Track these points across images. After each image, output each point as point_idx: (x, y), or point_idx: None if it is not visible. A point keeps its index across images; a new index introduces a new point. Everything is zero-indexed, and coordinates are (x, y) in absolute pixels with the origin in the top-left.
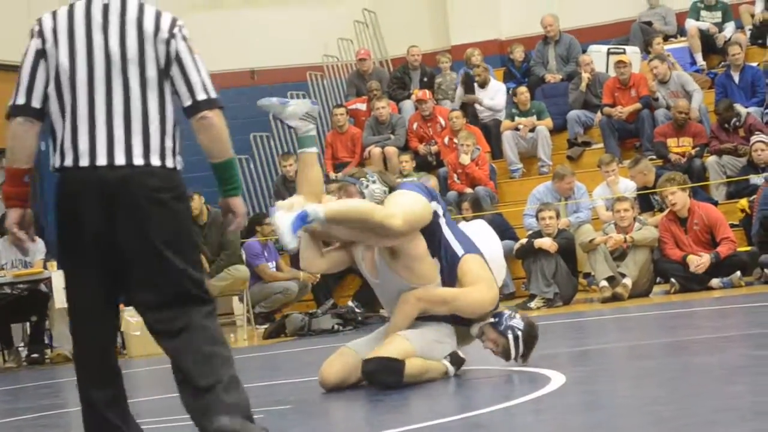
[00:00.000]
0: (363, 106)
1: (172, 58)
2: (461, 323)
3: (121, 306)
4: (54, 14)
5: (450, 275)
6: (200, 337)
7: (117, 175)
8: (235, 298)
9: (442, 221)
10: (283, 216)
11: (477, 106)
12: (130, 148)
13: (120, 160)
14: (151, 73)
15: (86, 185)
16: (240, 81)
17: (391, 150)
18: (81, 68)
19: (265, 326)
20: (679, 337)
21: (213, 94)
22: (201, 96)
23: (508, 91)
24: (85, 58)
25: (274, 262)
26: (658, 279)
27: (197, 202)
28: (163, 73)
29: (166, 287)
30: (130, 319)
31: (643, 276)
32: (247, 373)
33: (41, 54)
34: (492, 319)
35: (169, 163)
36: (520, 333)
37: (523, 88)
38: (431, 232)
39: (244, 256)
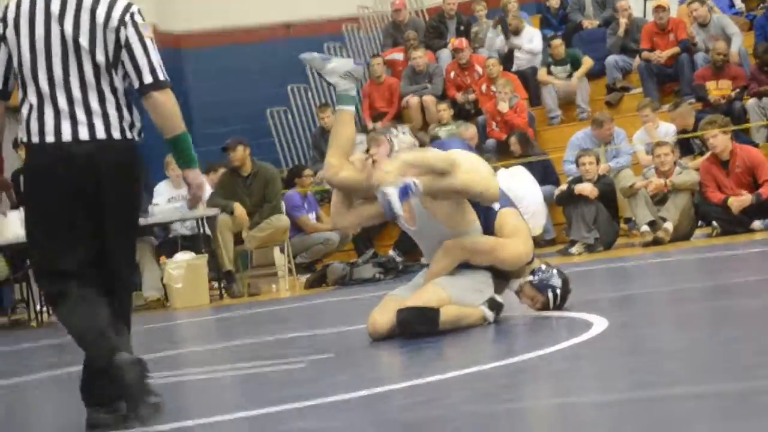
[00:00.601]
0: (400, 56)
1: (122, 44)
2: (496, 275)
3: (163, 258)
4: (18, 2)
5: (486, 227)
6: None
7: (83, 149)
8: (276, 249)
9: None
10: (390, 190)
11: (515, 52)
12: (92, 126)
13: (84, 135)
14: (101, 58)
15: (55, 157)
16: (276, 34)
17: (429, 99)
18: (40, 53)
19: (307, 276)
20: (721, 281)
21: (161, 76)
22: (148, 79)
23: (544, 38)
24: (44, 44)
25: (314, 213)
26: (699, 222)
27: (240, 153)
28: (114, 58)
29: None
30: (172, 271)
31: (684, 220)
32: (290, 323)
33: (1, 39)
34: (530, 277)
35: (129, 135)
36: (558, 291)
37: (557, 41)
38: None
39: (284, 208)
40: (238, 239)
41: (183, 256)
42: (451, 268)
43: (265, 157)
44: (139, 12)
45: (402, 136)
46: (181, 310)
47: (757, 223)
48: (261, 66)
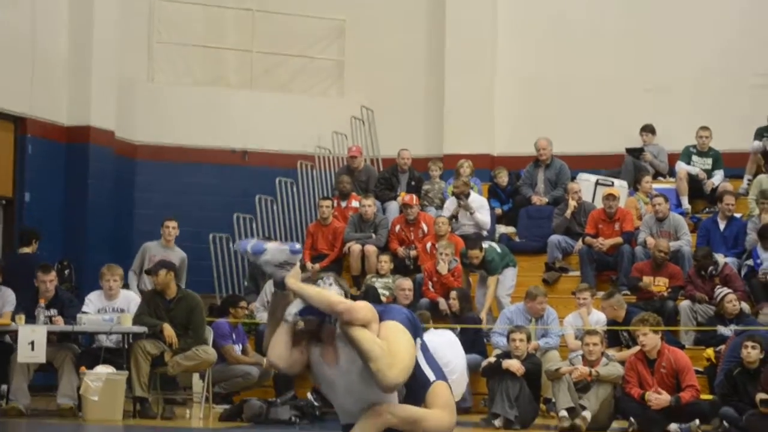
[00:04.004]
0: (356, 203)
1: None
2: None
3: (83, 368)
4: None
5: (415, 394)
6: None
7: None
8: (196, 375)
9: (419, 351)
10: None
11: (465, 215)
12: None
13: None
14: None
15: None
16: (230, 159)
17: (371, 249)
18: None
19: (223, 406)
20: None
21: None
22: None
23: (492, 209)
24: None
25: (240, 345)
26: (617, 416)
27: (162, 278)
28: None
29: None
30: (91, 383)
31: (603, 411)
32: None
33: None
34: None
35: None
36: None
37: (475, 251)
38: None
39: (211, 335)
40: (160, 359)
41: (103, 369)
42: (379, 431)
43: (201, 280)
44: None
45: (329, 287)
46: (93, 423)
47: (673, 426)
48: (211, 189)
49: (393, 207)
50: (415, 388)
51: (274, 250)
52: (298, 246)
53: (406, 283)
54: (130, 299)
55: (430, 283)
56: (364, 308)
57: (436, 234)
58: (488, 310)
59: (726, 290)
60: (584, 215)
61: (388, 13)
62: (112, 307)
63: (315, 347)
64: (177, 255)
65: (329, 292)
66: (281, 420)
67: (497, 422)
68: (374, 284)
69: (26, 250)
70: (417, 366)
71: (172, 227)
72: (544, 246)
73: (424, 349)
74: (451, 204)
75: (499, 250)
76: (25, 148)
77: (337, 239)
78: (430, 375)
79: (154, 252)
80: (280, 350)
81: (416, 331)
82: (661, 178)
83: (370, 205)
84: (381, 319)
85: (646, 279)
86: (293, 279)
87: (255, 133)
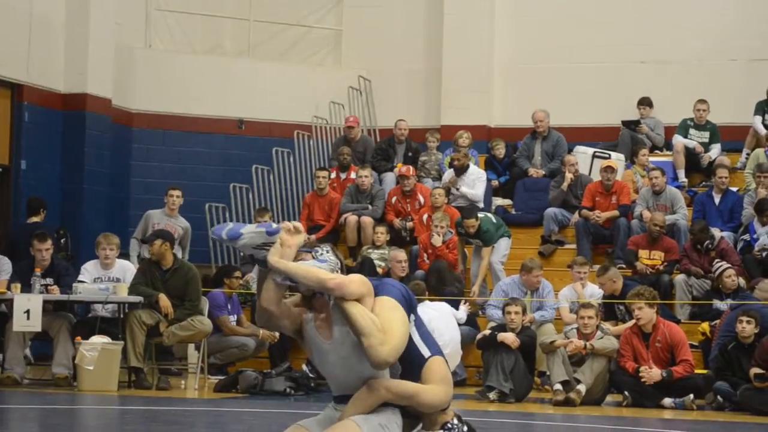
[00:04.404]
0: (353, 174)
1: None
2: (407, 414)
3: (79, 338)
4: None
5: (410, 370)
6: None
7: None
8: (191, 345)
9: (413, 327)
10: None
11: (453, 190)
12: None
13: None
14: None
15: None
16: (227, 128)
17: (367, 220)
18: None
19: (218, 377)
20: None
21: None
22: None
23: (488, 181)
24: None
25: (235, 316)
26: (611, 389)
27: (157, 248)
28: None
29: None
30: (86, 353)
31: (597, 384)
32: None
33: None
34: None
35: None
36: None
37: (471, 220)
38: None
39: (206, 306)
40: (155, 330)
41: (99, 339)
42: (374, 407)
43: (197, 250)
44: None
45: (326, 255)
46: (88, 393)
47: (667, 400)
48: (208, 158)
49: (390, 178)
50: (410, 364)
51: (251, 233)
52: (274, 226)
53: (401, 254)
54: (126, 269)
55: (425, 254)
56: (356, 282)
57: (432, 205)
58: (482, 282)
59: (725, 265)
60: (581, 188)
61: None
62: (108, 277)
63: (309, 313)
64: (181, 224)
65: (317, 269)
66: (276, 391)
67: (492, 395)
68: (370, 255)
69: (35, 219)
70: (411, 342)
71: (176, 196)
72: (540, 218)
73: (419, 324)
74: (448, 176)
75: (494, 220)
76: (22, 115)
77: (334, 210)
78: (425, 351)
79: (157, 220)
80: (269, 295)
81: (410, 308)
82: (657, 151)
83: (366, 176)
84: (376, 294)
85: (642, 252)
86: (275, 257)
87: (252, 103)
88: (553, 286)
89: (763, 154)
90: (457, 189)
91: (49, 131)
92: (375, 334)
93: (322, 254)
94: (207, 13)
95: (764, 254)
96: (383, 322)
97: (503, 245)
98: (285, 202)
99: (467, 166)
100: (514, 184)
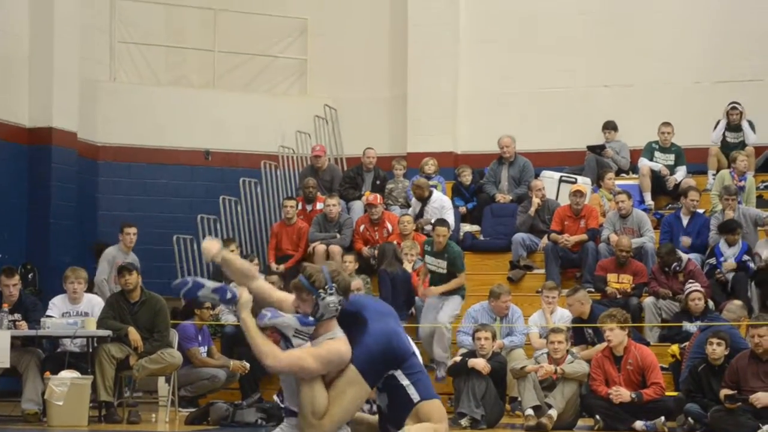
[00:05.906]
0: (321, 206)
1: None
2: None
3: (48, 373)
4: None
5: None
6: None
7: None
8: (161, 378)
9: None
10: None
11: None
12: None
13: None
14: None
15: None
16: (194, 160)
17: (335, 248)
18: None
19: (189, 410)
20: None
21: None
22: None
23: (455, 207)
24: None
25: (206, 347)
26: (583, 413)
27: (134, 278)
28: None
29: None
30: (56, 388)
31: (569, 408)
32: None
33: None
34: None
35: None
36: None
37: (443, 228)
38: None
39: (176, 338)
40: (125, 363)
41: (68, 374)
42: None
43: (165, 282)
44: None
45: (328, 298)
46: (58, 428)
47: (638, 423)
48: (174, 190)
49: (358, 206)
50: (398, 406)
51: (207, 296)
52: (229, 295)
53: (356, 283)
54: (94, 303)
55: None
56: (307, 361)
57: (400, 233)
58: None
59: (694, 287)
60: (548, 212)
61: (351, 12)
62: (76, 311)
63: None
64: (135, 261)
65: (262, 339)
66: (247, 422)
67: (464, 422)
68: None
69: None
70: (401, 387)
71: (132, 233)
72: (508, 244)
73: (411, 371)
74: (416, 203)
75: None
76: None
77: (302, 239)
78: (415, 396)
79: (116, 256)
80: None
81: (396, 359)
82: (624, 175)
83: (334, 205)
84: (355, 342)
85: (610, 276)
86: (245, 313)
87: (218, 133)
88: (523, 311)
89: (728, 176)
90: (429, 222)
91: (15, 166)
92: (306, 416)
93: (324, 298)
94: (171, 44)
95: (729, 275)
96: (332, 396)
97: (455, 303)
98: (253, 232)
99: (430, 194)
100: (481, 210)
